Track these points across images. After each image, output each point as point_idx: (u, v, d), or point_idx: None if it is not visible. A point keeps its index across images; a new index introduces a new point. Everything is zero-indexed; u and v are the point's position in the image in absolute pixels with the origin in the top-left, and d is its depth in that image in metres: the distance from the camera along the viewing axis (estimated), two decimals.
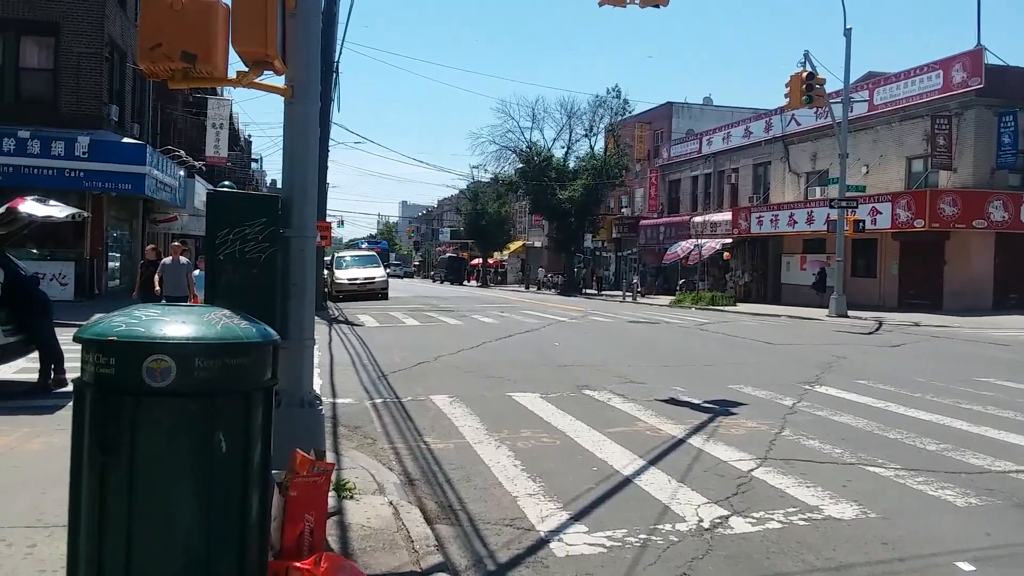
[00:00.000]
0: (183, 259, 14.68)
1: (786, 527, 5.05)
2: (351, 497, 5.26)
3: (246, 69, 4.62)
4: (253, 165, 60.16)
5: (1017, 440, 7.59)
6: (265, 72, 4.75)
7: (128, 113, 25.63)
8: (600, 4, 10.77)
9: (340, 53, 24.35)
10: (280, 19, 4.45)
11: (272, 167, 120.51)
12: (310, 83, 5.06)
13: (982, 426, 8.22)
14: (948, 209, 26.45)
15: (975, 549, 4.69)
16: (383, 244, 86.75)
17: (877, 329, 21.48)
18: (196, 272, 14.28)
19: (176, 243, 15.46)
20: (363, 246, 75.80)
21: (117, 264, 26.01)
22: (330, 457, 6.07)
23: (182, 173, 28.35)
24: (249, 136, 61.16)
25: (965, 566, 4.43)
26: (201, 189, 31.08)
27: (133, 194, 23.11)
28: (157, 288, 14.20)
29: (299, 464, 3.98)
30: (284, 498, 3.89)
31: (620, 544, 4.75)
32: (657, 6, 10.51)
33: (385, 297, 34.43)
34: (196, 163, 31.02)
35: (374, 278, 34.99)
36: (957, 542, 4.80)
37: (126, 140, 22.82)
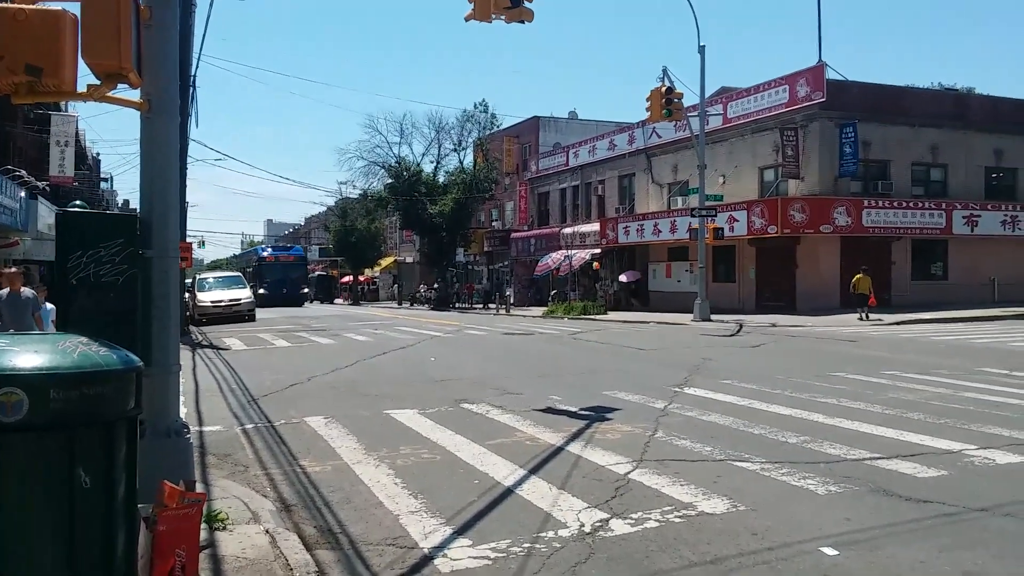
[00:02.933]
0: (26, 291, 10.89)
1: (663, 525, 5.21)
2: (224, 528, 5.06)
3: (98, 82, 4.37)
4: (103, 184, 56.94)
5: (869, 430, 8.11)
6: (119, 85, 4.52)
7: None
8: (466, 19, 10.84)
9: (197, 67, 23.45)
10: (134, 30, 4.25)
11: (123, 186, 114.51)
12: (168, 96, 4.86)
13: (837, 418, 8.76)
14: (798, 216, 28.09)
15: (837, 534, 4.97)
16: (297, 250, 65.02)
17: (738, 331, 22.53)
18: (48, 306, 11.08)
19: (13, 268, 11.48)
20: (265, 252, 60.62)
21: None
22: (199, 488, 5.81)
23: (23, 195, 26.48)
24: (97, 154, 57.87)
25: (829, 551, 4.69)
26: (45, 211, 29.12)
27: None
28: None
29: (168, 496, 3.78)
30: (152, 533, 3.69)
31: (504, 555, 4.76)
32: (523, 21, 10.68)
33: (253, 319, 33.33)
34: (39, 183, 29.07)
35: (240, 299, 33.81)
36: (820, 528, 5.08)
37: None
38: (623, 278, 36.97)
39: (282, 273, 55.03)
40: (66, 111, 30.65)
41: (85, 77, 4.50)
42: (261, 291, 50.96)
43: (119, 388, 3.25)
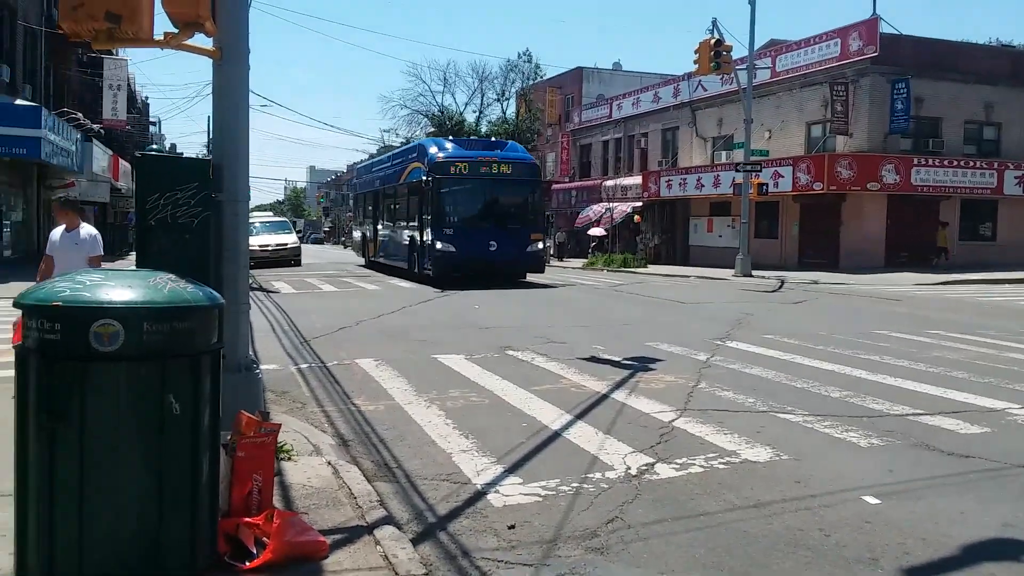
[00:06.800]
0: (85, 231, 7.66)
1: (707, 471, 5.38)
2: (289, 458, 5.32)
3: (175, 31, 4.53)
4: (152, 128, 57.70)
5: (912, 386, 8.17)
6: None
7: (20, 74, 24.28)
8: None
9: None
10: None
11: (171, 131, 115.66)
12: (240, 44, 5.01)
13: (880, 374, 8.81)
14: (845, 172, 27.64)
15: (879, 485, 5.10)
16: (516, 148, 25.81)
17: (780, 287, 22.43)
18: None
19: (62, 196, 7.81)
20: (443, 152, 23.23)
21: (9, 232, 24.77)
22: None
23: (79, 136, 27.07)
24: (147, 98, 58.62)
25: (871, 499, 4.83)
26: (100, 153, 29.74)
27: (28, 159, 21.97)
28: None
29: (245, 426, 4.03)
30: (231, 459, 3.95)
31: (554, 493, 4.98)
32: None
33: (298, 264, 33.89)
34: (93, 126, 29.64)
35: (286, 244, 34.36)
36: (862, 479, 5.22)
37: (19, 102, 21.61)
38: (592, 232, 36.76)
39: (486, 199, 23.62)
40: (117, 55, 31.02)
41: (160, 23, 4.67)
42: (440, 246, 22.53)
43: (205, 323, 3.46)
